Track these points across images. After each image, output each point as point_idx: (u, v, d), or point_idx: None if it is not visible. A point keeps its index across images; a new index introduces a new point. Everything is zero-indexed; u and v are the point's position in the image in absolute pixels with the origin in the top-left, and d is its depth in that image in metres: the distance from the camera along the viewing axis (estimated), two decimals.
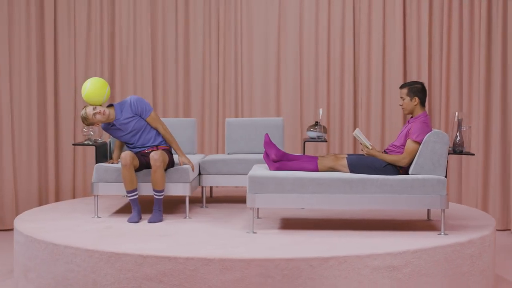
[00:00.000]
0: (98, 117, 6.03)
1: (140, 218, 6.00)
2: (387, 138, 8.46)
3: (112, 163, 6.38)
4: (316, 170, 5.73)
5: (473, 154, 5.75)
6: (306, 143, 7.75)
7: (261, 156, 6.84)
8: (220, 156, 6.89)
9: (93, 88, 6.02)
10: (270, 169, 5.79)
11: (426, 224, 5.94)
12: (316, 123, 7.02)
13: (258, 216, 6.20)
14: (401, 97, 5.78)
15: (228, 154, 7.14)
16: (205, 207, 6.75)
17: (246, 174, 6.71)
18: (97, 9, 8.53)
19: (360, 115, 8.49)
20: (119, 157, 6.46)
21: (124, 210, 6.54)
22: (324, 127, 7.00)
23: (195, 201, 7.05)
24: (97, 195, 6.20)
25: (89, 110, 6.03)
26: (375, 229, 5.74)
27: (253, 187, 5.53)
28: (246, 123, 7.25)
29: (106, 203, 6.86)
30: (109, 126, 6.20)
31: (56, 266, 5.17)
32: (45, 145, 8.46)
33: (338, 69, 8.52)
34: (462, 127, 5.70)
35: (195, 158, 6.80)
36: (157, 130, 6.27)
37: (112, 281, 4.92)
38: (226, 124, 7.26)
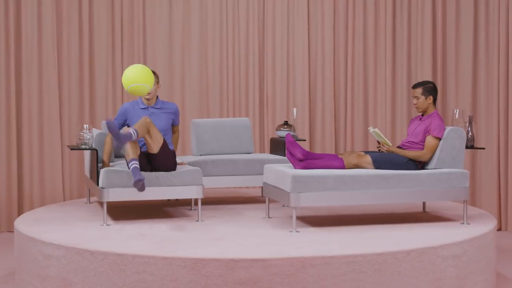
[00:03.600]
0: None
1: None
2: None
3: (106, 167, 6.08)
4: (343, 167, 5.86)
5: (484, 148, 6.22)
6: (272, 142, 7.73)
7: (250, 156, 6.84)
8: (208, 157, 6.75)
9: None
10: (296, 168, 5.82)
11: (431, 216, 6.29)
12: (285, 122, 7.11)
13: (269, 216, 6.18)
14: (416, 96, 6.07)
15: (200, 155, 7.00)
16: (194, 209, 6.58)
17: (236, 175, 6.70)
18: (1, 10, 8.09)
19: (266, 114, 8.65)
20: (109, 163, 6.18)
21: (119, 215, 6.19)
22: (293, 126, 7.12)
23: (177, 204, 6.85)
24: (105, 202, 5.83)
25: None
26: (386, 223, 5.97)
27: (297, 186, 5.54)
28: (214, 124, 7.17)
29: (88, 210, 6.47)
30: (136, 107, 6.19)
31: (121, 277, 4.83)
32: None
33: (244, 68, 8.63)
34: (472, 124, 6.12)
35: None
36: (171, 137, 6.36)
37: None
38: (192, 125, 7.11)
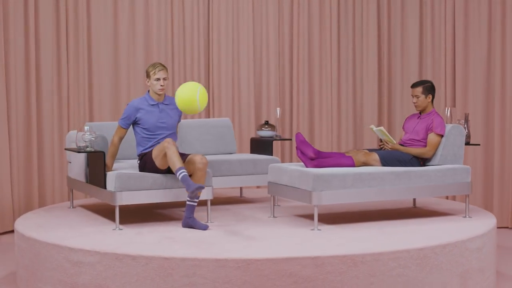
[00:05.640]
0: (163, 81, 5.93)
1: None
2: (236, 133, 8.68)
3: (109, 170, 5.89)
4: (353, 165, 5.95)
5: (479, 145, 6.47)
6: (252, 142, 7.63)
7: (244, 156, 6.81)
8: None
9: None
10: (307, 167, 5.85)
11: (426, 211, 6.49)
12: (266, 122, 7.10)
13: (274, 215, 6.17)
14: (416, 95, 6.24)
15: None
16: None
17: (231, 176, 6.64)
18: None
19: (212, 115, 8.62)
20: (112, 166, 5.98)
21: (125, 219, 5.98)
22: (274, 126, 7.12)
23: (167, 206, 6.69)
24: (118, 206, 5.62)
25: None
26: (391, 219, 6.10)
27: (318, 184, 5.56)
28: (197, 125, 7.07)
29: (79, 215, 6.23)
30: (146, 103, 5.95)
31: (168, 282, 4.70)
32: None
33: (189, 69, 8.59)
34: (468, 121, 6.36)
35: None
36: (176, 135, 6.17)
37: None
38: None
